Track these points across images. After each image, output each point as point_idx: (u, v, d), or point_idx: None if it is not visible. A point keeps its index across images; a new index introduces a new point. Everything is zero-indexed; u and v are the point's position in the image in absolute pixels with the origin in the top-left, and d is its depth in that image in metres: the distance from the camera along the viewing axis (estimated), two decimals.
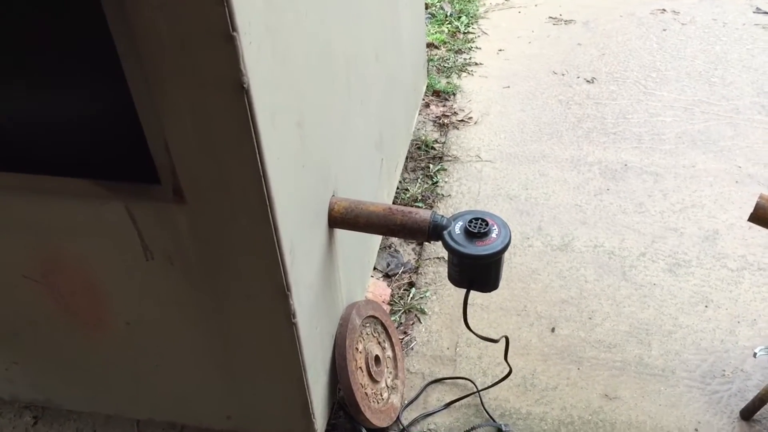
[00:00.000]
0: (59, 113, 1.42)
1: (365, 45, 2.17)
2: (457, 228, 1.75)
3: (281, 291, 1.55)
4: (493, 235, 1.73)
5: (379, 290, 2.59)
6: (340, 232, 1.94)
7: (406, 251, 2.79)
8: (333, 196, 1.86)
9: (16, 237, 1.67)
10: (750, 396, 2.11)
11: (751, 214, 1.84)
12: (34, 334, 1.93)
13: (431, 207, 2.97)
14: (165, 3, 1.16)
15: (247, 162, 1.34)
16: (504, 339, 2.06)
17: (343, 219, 1.84)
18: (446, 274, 1.92)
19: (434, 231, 1.77)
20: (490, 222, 1.74)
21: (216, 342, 1.77)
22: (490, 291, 1.85)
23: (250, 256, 1.51)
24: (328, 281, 1.89)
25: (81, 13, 1.24)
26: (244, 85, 1.23)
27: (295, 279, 1.57)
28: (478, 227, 1.72)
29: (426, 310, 2.53)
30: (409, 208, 1.82)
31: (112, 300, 1.76)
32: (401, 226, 1.80)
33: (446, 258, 1.84)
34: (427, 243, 2.78)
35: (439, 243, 1.77)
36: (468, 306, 1.89)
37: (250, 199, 1.40)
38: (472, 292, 1.85)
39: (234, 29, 1.17)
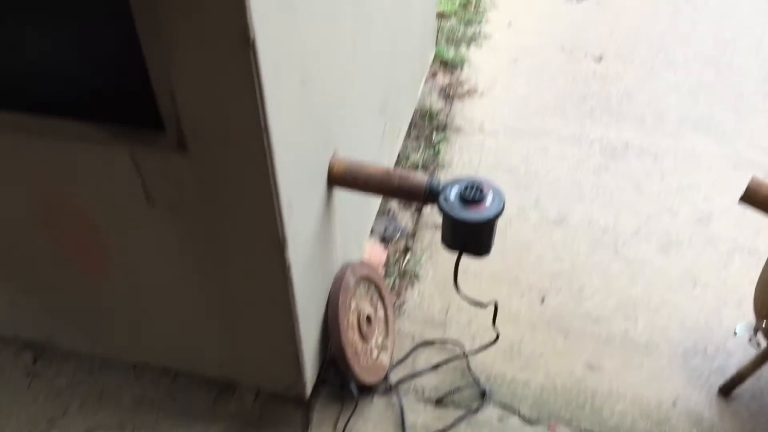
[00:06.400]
0: (68, 53, 1.44)
1: (373, 7, 2.19)
2: (452, 193, 1.78)
3: (277, 243, 1.59)
4: (487, 202, 1.77)
5: (375, 253, 2.63)
6: (339, 193, 1.98)
7: (404, 217, 2.83)
8: (333, 155, 1.89)
9: (21, 180, 1.70)
10: (730, 374, 2.17)
11: (742, 195, 1.87)
12: (37, 275, 1.98)
13: (431, 175, 3.00)
14: None
15: (250, 115, 1.38)
16: (493, 304, 2.11)
17: (342, 178, 1.87)
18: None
19: (430, 195, 1.81)
20: (485, 189, 1.77)
21: (212, 291, 1.82)
22: (481, 256, 1.89)
23: (248, 207, 1.55)
24: (324, 239, 1.93)
25: None
26: (251, 39, 1.26)
27: (291, 232, 1.61)
28: (472, 193, 1.76)
29: (420, 274, 2.58)
30: (407, 172, 1.86)
31: (114, 245, 1.80)
32: (398, 189, 1.84)
33: None
34: (425, 209, 2.82)
35: (436, 208, 1.81)
36: (460, 273, 1.94)
37: (252, 151, 1.44)
38: (467, 260, 1.90)
39: None
